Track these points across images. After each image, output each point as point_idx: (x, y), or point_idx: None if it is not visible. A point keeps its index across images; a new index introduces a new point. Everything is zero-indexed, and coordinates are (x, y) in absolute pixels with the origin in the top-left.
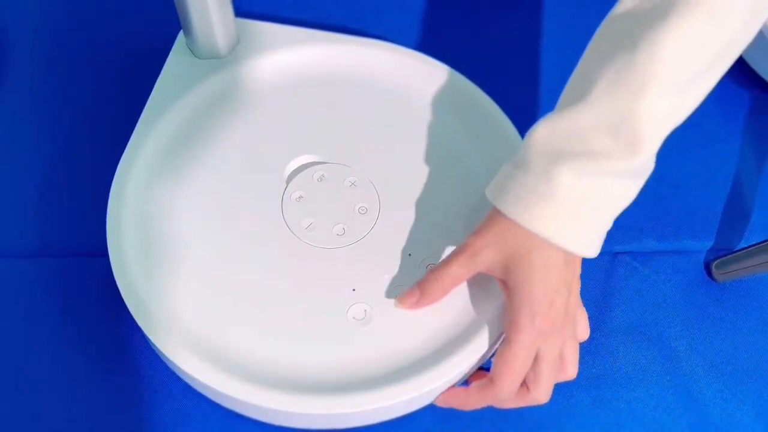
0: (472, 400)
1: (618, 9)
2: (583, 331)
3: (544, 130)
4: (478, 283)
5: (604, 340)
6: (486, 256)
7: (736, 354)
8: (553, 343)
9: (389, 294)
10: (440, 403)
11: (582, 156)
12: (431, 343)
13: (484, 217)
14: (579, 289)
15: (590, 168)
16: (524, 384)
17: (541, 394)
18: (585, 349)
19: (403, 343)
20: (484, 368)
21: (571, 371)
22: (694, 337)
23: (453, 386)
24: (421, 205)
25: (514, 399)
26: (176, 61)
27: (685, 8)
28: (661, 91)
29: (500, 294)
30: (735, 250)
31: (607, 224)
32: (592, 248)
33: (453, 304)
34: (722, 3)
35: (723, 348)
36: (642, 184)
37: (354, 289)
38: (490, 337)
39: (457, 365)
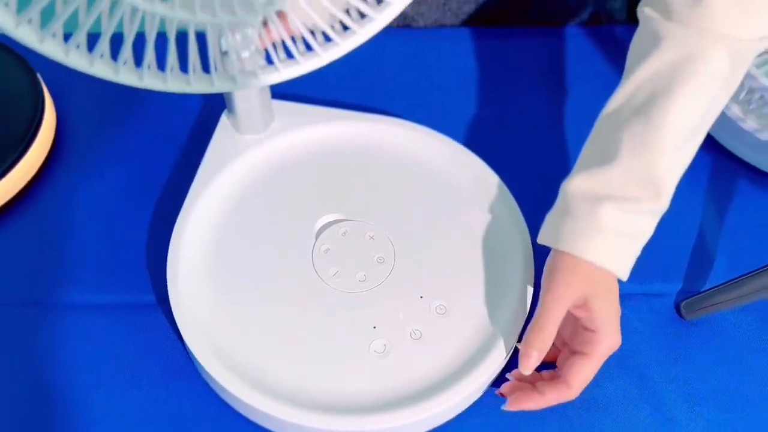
0: (548, 398)
1: (611, 105)
2: None
3: (581, 183)
4: (478, 320)
5: None
6: (570, 293)
7: (703, 381)
8: None
9: (404, 330)
10: (511, 408)
11: (619, 200)
12: (442, 372)
13: (483, 264)
14: None
15: (627, 208)
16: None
17: (578, 393)
18: None
19: (417, 372)
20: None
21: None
22: (667, 367)
23: (522, 391)
24: (430, 255)
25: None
26: (221, 136)
27: (682, 83)
28: (671, 148)
29: (496, 330)
30: (700, 291)
31: (638, 252)
32: (627, 271)
33: (458, 339)
34: (704, 78)
35: (692, 376)
36: (658, 221)
37: (374, 327)
38: (491, 366)
39: (464, 389)
